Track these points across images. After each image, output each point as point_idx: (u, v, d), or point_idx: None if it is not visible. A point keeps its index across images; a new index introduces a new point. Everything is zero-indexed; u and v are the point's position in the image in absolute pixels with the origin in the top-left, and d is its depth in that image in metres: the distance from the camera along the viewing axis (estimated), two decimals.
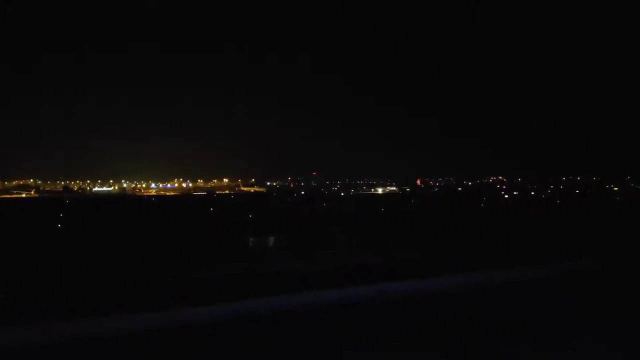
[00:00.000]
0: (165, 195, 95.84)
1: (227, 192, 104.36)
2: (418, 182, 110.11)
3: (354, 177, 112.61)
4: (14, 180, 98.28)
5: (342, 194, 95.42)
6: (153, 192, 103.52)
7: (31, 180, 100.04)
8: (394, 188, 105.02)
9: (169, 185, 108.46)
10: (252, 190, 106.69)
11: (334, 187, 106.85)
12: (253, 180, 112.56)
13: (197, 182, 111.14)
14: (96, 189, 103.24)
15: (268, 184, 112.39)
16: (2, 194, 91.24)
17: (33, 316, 3.51)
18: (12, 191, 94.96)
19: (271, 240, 18.89)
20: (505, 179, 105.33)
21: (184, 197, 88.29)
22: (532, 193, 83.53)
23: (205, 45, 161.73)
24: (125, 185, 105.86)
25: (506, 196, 76.13)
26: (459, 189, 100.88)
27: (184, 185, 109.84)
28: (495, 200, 58.68)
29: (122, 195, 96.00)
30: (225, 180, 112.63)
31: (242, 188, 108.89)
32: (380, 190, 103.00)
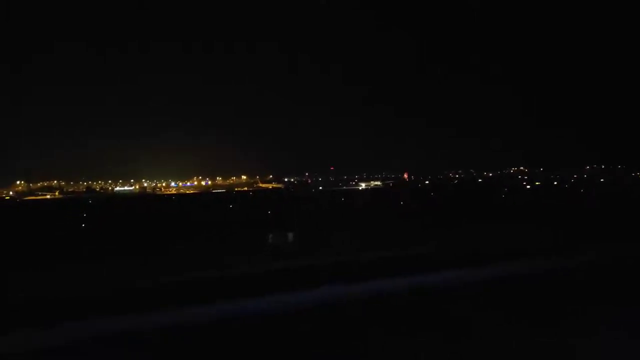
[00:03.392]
0: (185, 194, 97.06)
1: (245, 189, 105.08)
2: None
3: (371, 171, 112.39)
4: (39, 182, 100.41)
5: (360, 188, 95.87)
6: (173, 191, 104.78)
7: (55, 181, 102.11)
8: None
9: (188, 183, 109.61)
10: (270, 187, 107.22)
11: (352, 182, 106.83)
12: (271, 176, 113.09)
13: (216, 179, 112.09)
14: (118, 188, 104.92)
15: (285, 180, 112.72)
16: (28, 196, 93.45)
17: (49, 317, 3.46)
18: (37, 193, 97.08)
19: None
20: (527, 170, 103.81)
21: (204, 194, 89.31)
22: (555, 183, 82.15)
23: (221, 44, 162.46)
24: (145, 184, 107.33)
25: (528, 187, 74.97)
26: (479, 180, 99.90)
27: (203, 183, 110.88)
28: (519, 192, 57.64)
29: (143, 195, 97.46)
30: (244, 177, 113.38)
31: (260, 185, 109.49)
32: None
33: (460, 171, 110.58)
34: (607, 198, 35.36)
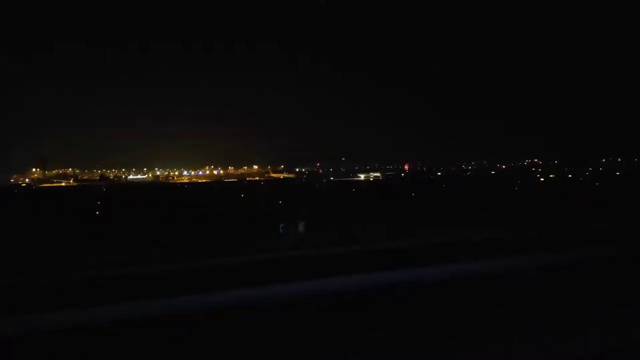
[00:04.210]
0: (198, 182, 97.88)
1: (257, 178, 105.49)
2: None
3: (382, 162, 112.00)
4: (54, 170, 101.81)
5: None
6: (185, 180, 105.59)
7: (70, 169, 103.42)
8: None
9: (200, 172, 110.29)
10: (282, 177, 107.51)
11: (366, 173, 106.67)
12: (282, 166, 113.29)
13: (228, 169, 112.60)
14: (131, 177, 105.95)
15: (297, 170, 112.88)
16: (43, 183, 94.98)
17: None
18: (53, 180, 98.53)
19: None
20: (541, 162, 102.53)
21: (216, 183, 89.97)
22: (570, 176, 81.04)
23: (234, 36, 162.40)
24: (158, 173, 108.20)
25: (542, 179, 74.04)
26: (492, 172, 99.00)
27: (215, 172, 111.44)
28: (532, 183, 56.95)
29: (156, 183, 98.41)
30: (255, 167, 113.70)
31: (272, 174, 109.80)
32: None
33: (473, 163, 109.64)
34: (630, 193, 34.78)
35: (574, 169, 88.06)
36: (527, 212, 21.05)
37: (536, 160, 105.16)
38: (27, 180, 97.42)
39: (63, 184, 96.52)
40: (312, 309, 3.34)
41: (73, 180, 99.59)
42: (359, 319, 3.36)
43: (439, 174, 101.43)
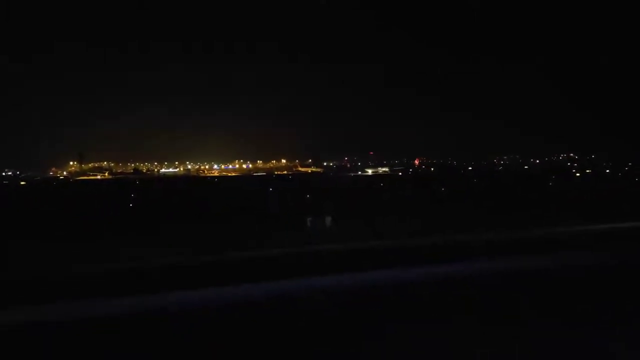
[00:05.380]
0: (227, 176, 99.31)
1: (285, 172, 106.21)
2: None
3: (411, 156, 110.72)
4: (90, 163, 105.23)
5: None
6: (216, 173, 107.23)
7: (105, 163, 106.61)
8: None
9: (230, 166, 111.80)
10: (310, 171, 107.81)
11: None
12: (310, 160, 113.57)
13: (257, 163, 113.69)
14: (163, 170, 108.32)
15: (325, 164, 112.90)
16: (80, 176, 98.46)
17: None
18: (88, 173, 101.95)
19: None
20: (577, 157, 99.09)
21: (245, 177, 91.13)
22: (607, 171, 78.13)
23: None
24: (189, 166, 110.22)
25: (577, 174, 71.59)
26: (525, 167, 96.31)
27: (244, 166, 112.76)
28: (568, 179, 54.84)
29: (188, 176, 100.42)
30: (283, 161, 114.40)
31: (300, 168, 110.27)
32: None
33: (505, 157, 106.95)
34: None
35: (611, 164, 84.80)
36: (552, 210, 20.27)
37: (572, 154, 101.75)
38: (64, 173, 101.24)
39: (98, 177, 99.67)
40: (320, 306, 3.26)
41: (108, 174, 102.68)
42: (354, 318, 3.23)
43: (470, 168, 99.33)
